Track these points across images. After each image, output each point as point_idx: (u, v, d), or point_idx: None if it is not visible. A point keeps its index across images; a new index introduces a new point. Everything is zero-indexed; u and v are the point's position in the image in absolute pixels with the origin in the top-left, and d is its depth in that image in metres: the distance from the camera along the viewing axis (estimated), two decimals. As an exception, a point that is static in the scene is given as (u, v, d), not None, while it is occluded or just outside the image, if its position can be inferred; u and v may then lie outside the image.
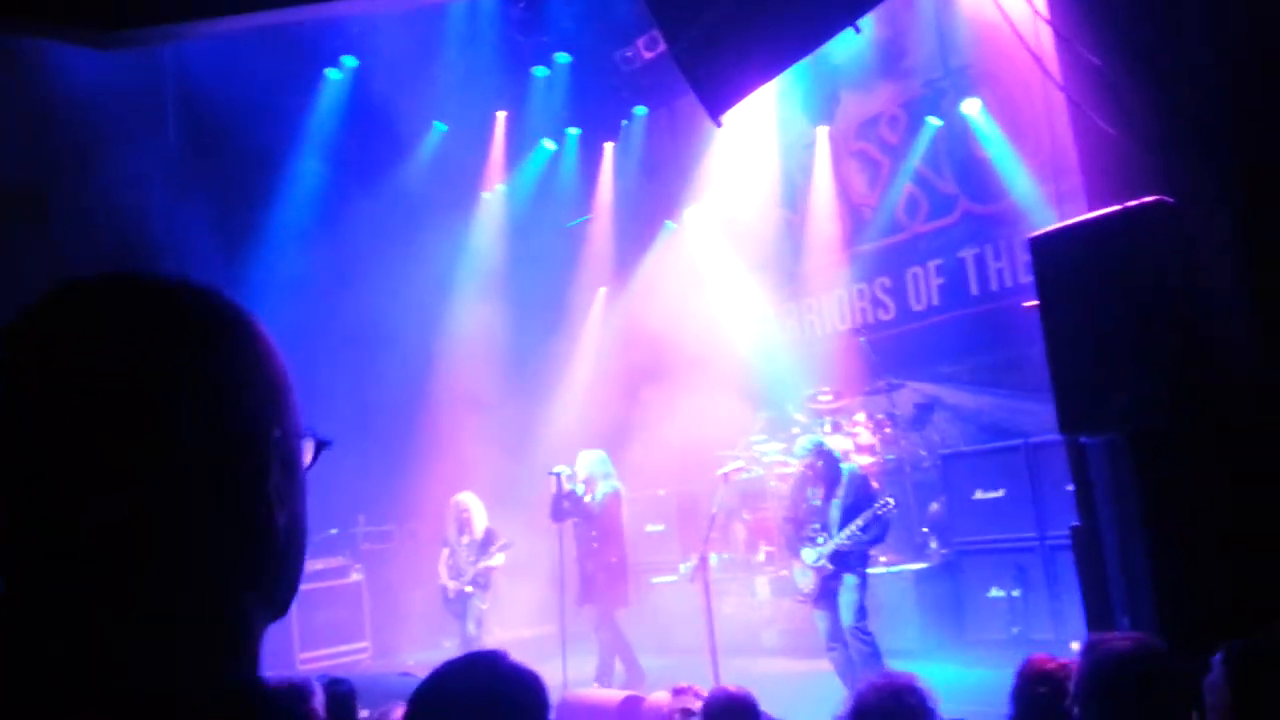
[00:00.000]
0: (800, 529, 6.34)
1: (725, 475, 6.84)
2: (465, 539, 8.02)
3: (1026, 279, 7.29)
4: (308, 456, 0.85)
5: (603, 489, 7.52)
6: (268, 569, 0.79)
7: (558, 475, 7.45)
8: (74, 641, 0.70)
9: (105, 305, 0.76)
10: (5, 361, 0.73)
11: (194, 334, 0.77)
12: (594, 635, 7.56)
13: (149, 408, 0.73)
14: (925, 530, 8.09)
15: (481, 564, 7.89)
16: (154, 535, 0.72)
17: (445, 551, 8.18)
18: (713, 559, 7.40)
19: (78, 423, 0.72)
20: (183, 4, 2.77)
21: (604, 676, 7.36)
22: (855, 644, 6.02)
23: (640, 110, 10.82)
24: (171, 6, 2.77)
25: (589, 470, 7.56)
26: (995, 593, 7.30)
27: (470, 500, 8.14)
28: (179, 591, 0.73)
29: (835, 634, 6.16)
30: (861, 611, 6.06)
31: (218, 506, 0.75)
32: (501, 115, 10.50)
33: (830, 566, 6.11)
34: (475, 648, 7.69)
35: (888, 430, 8.50)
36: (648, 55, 9.47)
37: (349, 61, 9.42)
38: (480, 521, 8.04)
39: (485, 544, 7.96)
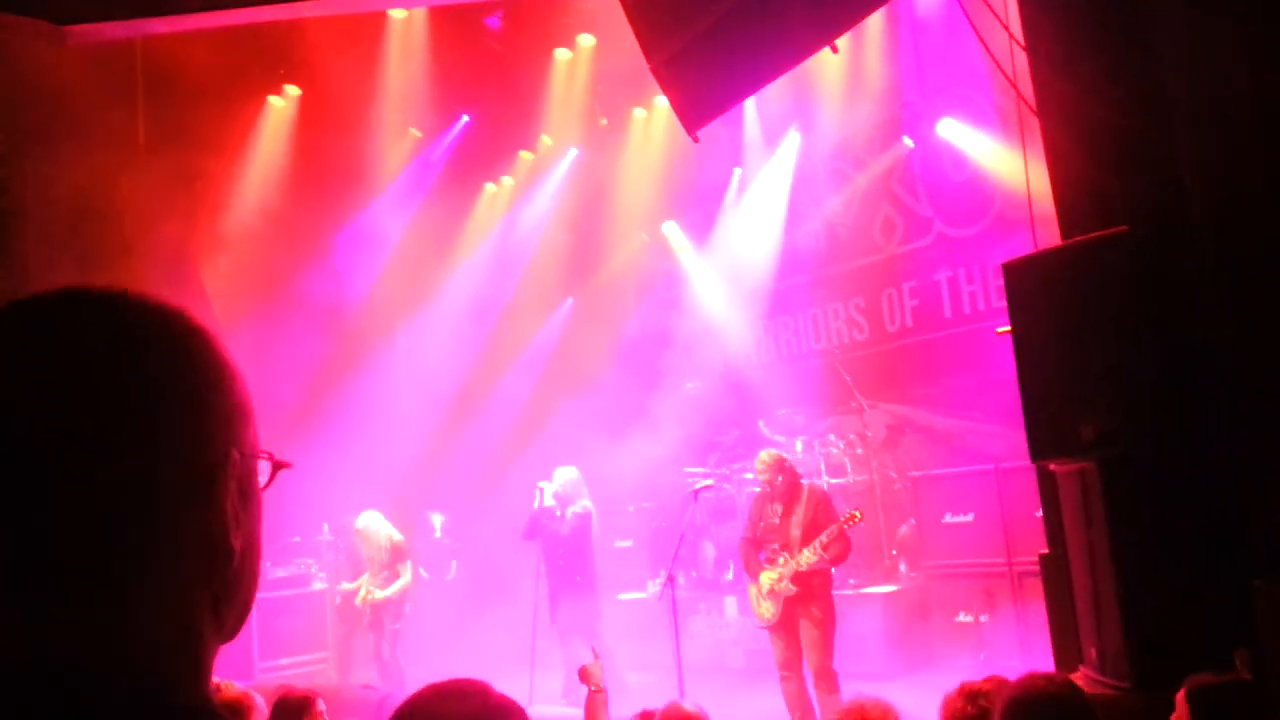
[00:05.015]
0: (759, 550, 6.05)
1: (695, 493, 6.76)
2: (373, 559, 7.97)
3: (1000, 303, 7.30)
4: (264, 478, 0.84)
5: (573, 508, 7.47)
6: (221, 593, 0.78)
7: (540, 490, 7.46)
8: (27, 664, 0.69)
9: (60, 324, 0.75)
10: None
11: (153, 352, 0.76)
12: (561, 652, 7.48)
13: (104, 429, 0.71)
14: (894, 553, 8.06)
15: (374, 596, 7.83)
16: (104, 557, 0.71)
17: (365, 575, 8.10)
18: (680, 578, 7.33)
19: (32, 445, 0.70)
20: (136, 3, 2.69)
21: (570, 694, 7.27)
22: (820, 683, 5.71)
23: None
24: (124, 4, 2.68)
25: (563, 488, 7.52)
26: (963, 617, 7.27)
27: (369, 520, 8.01)
28: (134, 614, 0.72)
29: (790, 661, 5.85)
30: (829, 650, 5.73)
31: (173, 529, 0.74)
32: (464, 119, 10.42)
33: (793, 588, 5.77)
34: (390, 668, 7.68)
35: (858, 451, 8.49)
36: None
37: (291, 90, 9.33)
38: (381, 540, 7.94)
39: (391, 562, 7.90)
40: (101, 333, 0.75)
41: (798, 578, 5.80)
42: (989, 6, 4.95)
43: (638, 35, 5.23)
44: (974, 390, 8.14)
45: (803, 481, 6.20)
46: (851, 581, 7.74)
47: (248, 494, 0.81)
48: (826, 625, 5.79)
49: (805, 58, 5.10)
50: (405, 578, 7.89)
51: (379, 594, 7.83)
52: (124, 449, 0.72)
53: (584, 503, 7.54)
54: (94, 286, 0.78)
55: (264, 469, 0.85)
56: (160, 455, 0.73)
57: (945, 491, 7.59)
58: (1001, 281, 4.36)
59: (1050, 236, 4.54)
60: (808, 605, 5.81)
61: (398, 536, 8.02)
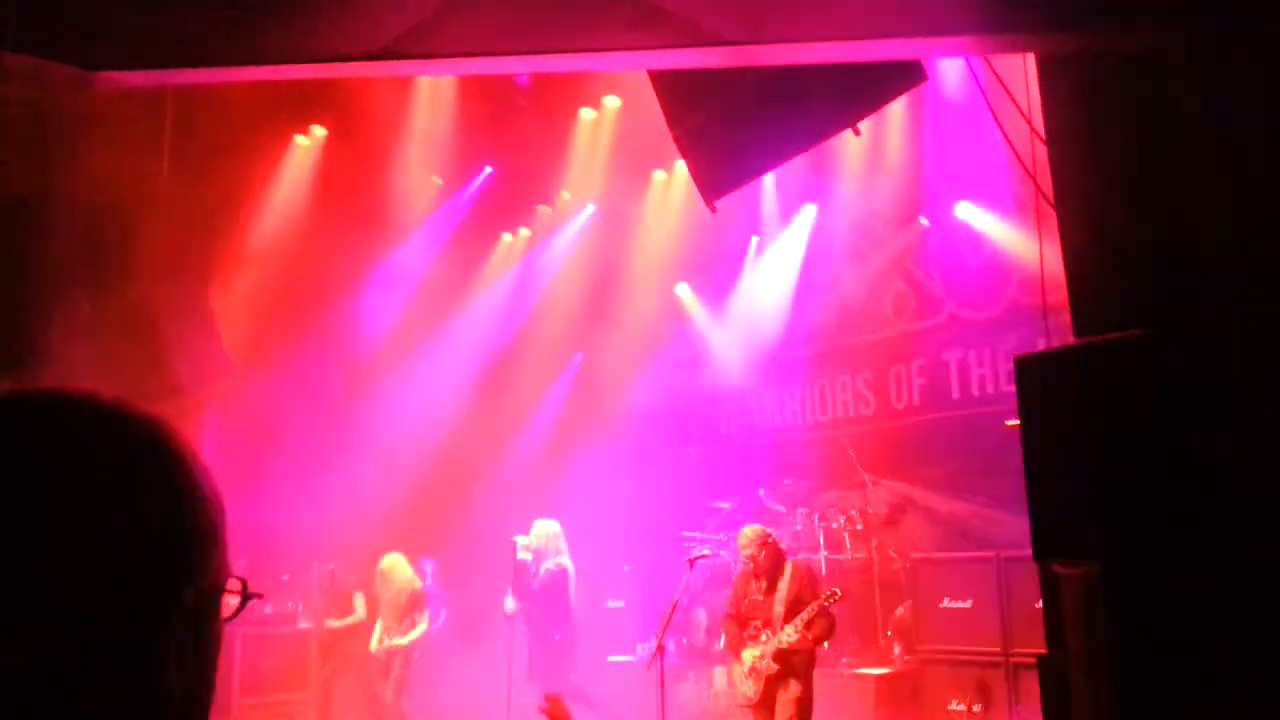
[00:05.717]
0: (743, 627, 5.98)
1: (690, 562, 6.67)
2: (391, 603, 7.85)
3: (1009, 388, 7.25)
4: (229, 609, 0.80)
5: (546, 565, 7.28)
6: None
7: (515, 544, 7.31)
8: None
9: (17, 427, 0.72)
10: None
11: (105, 476, 0.72)
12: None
13: (39, 563, 0.69)
14: (889, 634, 7.92)
15: (390, 643, 7.69)
16: (34, 699, 0.68)
17: (380, 616, 7.99)
18: (670, 644, 7.19)
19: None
20: (167, 54, 2.72)
21: None
22: None
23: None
24: (155, 55, 2.71)
25: (539, 542, 7.35)
26: (956, 706, 7.11)
27: (394, 564, 7.92)
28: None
29: None
30: None
31: (109, 673, 0.70)
32: (487, 170, 10.52)
33: (774, 666, 5.69)
34: (393, 714, 7.53)
35: (859, 527, 8.39)
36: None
37: (318, 130, 9.46)
38: (401, 584, 7.83)
39: (409, 609, 7.78)
40: (43, 455, 0.71)
41: (779, 655, 5.72)
42: (1011, 99, 4.98)
43: (663, 105, 5.28)
44: (979, 474, 8.06)
45: (787, 558, 6.15)
46: (844, 660, 7.60)
47: (202, 629, 0.76)
48: (803, 705, 5.68)
49: (827, 139, 5.13)
50: (422, 625, 7.82)
51: (399, 641, 7.71)
52: (54, 586, 0.68)
53: (560, 560, 7.32)
54: (69, 391, 0.75)
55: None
56: (101, 595, 0.69)
57: (945, 575, 7.47)
58: (1011, 366, 4.33)
59: (1064, 324, 4.52)
60: (787, 683, 5.71)
61: (418, 583, 7.97)
